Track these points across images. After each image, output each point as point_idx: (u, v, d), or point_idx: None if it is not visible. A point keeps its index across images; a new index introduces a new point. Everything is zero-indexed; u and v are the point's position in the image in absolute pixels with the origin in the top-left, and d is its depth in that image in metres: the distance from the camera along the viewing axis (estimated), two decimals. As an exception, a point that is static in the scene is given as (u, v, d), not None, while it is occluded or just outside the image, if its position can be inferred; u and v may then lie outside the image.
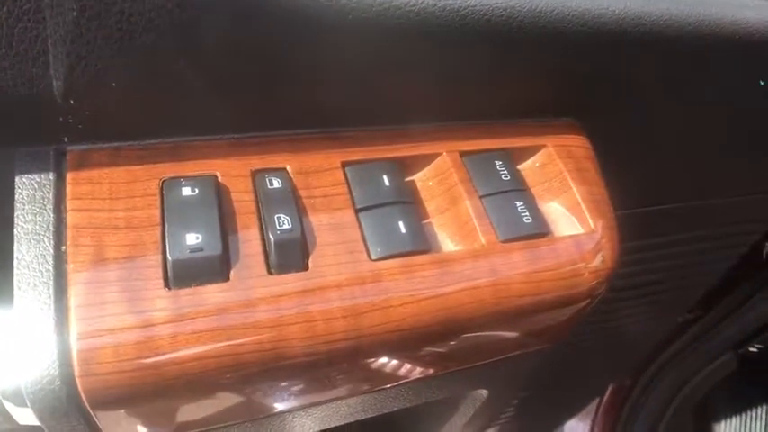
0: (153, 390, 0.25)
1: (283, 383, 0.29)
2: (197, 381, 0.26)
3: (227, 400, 0.28)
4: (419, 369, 0.33)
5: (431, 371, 0.34)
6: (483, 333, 0.32)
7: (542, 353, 0.40)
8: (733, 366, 0.94)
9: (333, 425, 0.38)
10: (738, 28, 0.36)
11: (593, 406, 0.98)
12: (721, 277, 0.84)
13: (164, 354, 0.25)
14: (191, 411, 0.28)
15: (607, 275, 0.34)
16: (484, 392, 0.43)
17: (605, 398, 0.98)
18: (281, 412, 0.32)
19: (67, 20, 0.24)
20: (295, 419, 0.35)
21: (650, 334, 0.80)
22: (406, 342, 0.29)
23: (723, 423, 1.07)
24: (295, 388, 0.30)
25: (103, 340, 0.24)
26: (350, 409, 0.37)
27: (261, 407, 0.30)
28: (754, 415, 1.05)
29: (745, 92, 0.41)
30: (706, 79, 0.39)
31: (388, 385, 0.33)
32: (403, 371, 0.32)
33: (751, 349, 0.92)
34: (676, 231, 0.53)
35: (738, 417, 1.06)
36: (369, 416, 0.39)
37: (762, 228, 0.59)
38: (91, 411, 0.25)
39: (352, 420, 0.38)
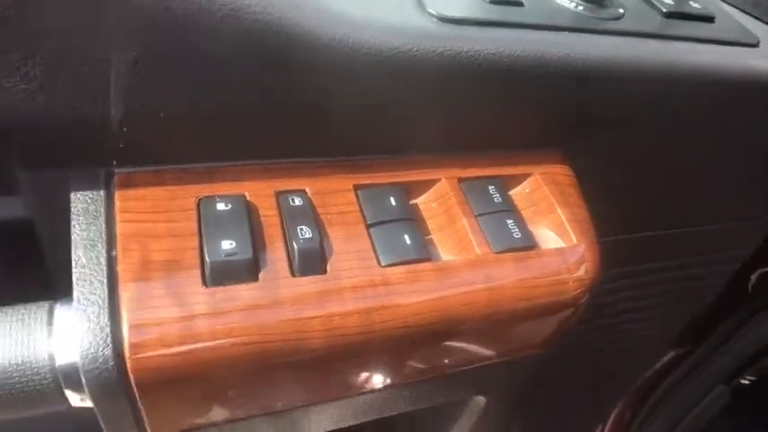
0: (191, 372, 0.29)
1: (303, 375, 0.32)
2: (229, 366, 0.29)
3: (252, 388, 0.32)
4: (423, 366, 0.36)
5: (433, 369, 0.37)
6: (478, 333, 0.36)
7: (536, 362, 0.43)
8: (726, 399, 0.96)
9: (340, 426, 0.41)
10: (701, 71, 0.41)
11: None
12: (710, 310, 0.87)
13: (201, 341, 0.29)
14: (221, 400, 0.32)
15: (589, 285, 0.38)
16: (482, 400, 0.46)
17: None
18: (294, 408, 0.36)
19: (128, 60, 0.29)
20: (303, 418, 0.38)
21: (641, 365, 0.83)
22: (412, 337, 0.33)
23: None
24: (312, 381, 0.33)
25: (150, 329, 0.28)
26: (356, 409, 0.40)
27: (280, 399, 0.34)
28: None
29: (720, 126, 0.46)
30: (680, 115, 0.44)
31: (394, 383, 0.37)
32: (408, 368, 0.36)
33: (743, 381, 0.95)
34: (661, 258, 0.57)
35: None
36: (373, 418, 0.42)
37: (743, 255, 0.63)
38: (136, 392, 0.29)
39: (357, 422, 0.41)
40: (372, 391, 0.37)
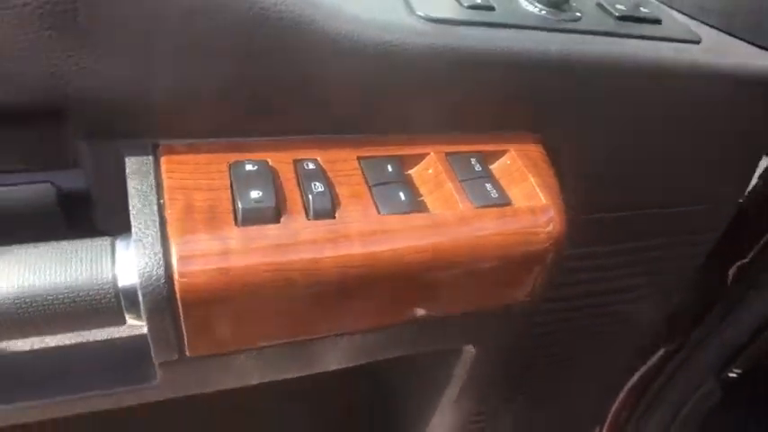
0: (225, 295, 0.36)
1: (319, 304, 0.39)
2: (256, 292, 0.36)
3: (275, 315, 0.38)
4: (418, 305, 0.43)
5: (428, 308, 0.44)
6: (464, 276, 0.42)
7: (521, 319, 0.50)
8: (717, 393, 1.00)
9: (347, 364, 0.47)
10: (648, 62, 0.49)
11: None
12: (693, 306, 0.93)
13: (235, 268, 0.36)
14: (248, 324, 0.38)
15: (557, 239, 0.44)
16: (472, 350, 0.52)
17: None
18: (308, 340, 0.42)
19: (173, 49, 0.36)
20: (316, 352, 0.44)
21: (635, 353, 0.88)
22: (408, 275, 0.40)
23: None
24: (326, 311, 0.40)
25: (194, 258, 0.35)
26: (362, 348, 0.46)
27: (299, 328, 0.40)
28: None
29: (670, 114, 0.54)
30: (633, 103, 0.51)
31: (394, 320, 0.43)
32: (405, 305, 0.42)
33: (731, 374, 0.99)
34: (634, 239, 0.64)
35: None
36: (377, 358, 0.48)
37: (713, 236, 0.70)
38: (180, 310, 0.35)
39: (362, 362, 0.47)
40: (376, 327, 0.43)
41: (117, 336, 0.44)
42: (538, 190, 0.46)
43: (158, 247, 0.35)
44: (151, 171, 0.39)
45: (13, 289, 0.34)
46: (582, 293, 0.66)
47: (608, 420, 1.04)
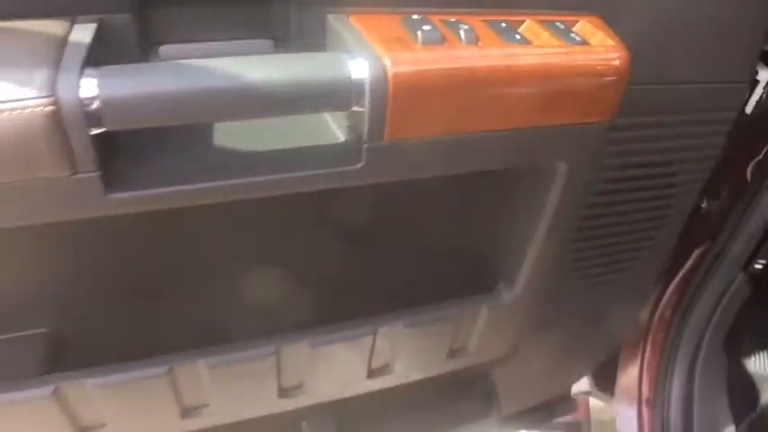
0: (417, 89, 0.54)
1: (472, 100, 0.58)
2: (436, 87, 0.55)
3: (446, 106, 0.57)
4: (532, 109, 0.61)
5: (536, 116, 0.62)
6: (561, 89, 0.61)
7: (602, 137, 0.68)
8: (746, 287, 1.15)
9: (486, 167, 0.65)
10: None
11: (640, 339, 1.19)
12: (718, 206, 1.10)
13: (424, 71, 0.54)
14: (429, 113, 0.57)
15: (624, 71, 0.63)
16: (564, 167, 0.70)
17: (651, 332, 1.19)
18: (466, 139, 0.60)
19: None
20: (471, 147, 0.62)
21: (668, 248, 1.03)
22: (527, 82, 0.59)
23: (752, 352, 1.25)
24: (477, 107, 0.58)
25: (399, 63, 0.54)
26: (497, 150, 0.64)
27: (460, 117, 0.59)
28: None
29: None
30: None
31: (519, 123, 0.62)
32: (525, 110, 0.61)
33: (757, 266, 1.14)
34: (662, 112, 0.81)
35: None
36: (501, 166, 0.66)
37: (730, 117, 0.87)
38: (390, 96, 0.54)
39: (494, 167, 0.66)
40: (510, 127, 0.61)
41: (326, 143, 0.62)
42: (608, 39, 0.65)
43: (375, 56, 0.54)
44: (346, 22, 0.58)
45: (278, 77, 0.52)
46: (628, 164, 0.84)
47: (655, 318, 1.19)
